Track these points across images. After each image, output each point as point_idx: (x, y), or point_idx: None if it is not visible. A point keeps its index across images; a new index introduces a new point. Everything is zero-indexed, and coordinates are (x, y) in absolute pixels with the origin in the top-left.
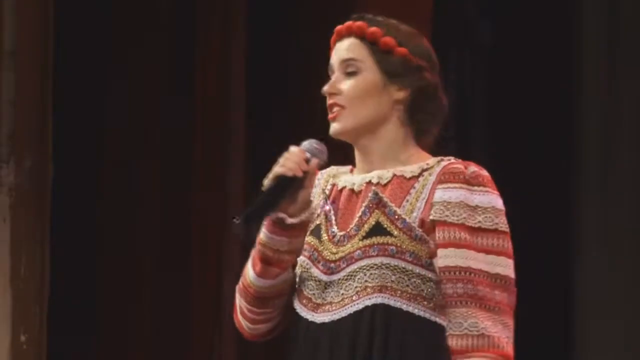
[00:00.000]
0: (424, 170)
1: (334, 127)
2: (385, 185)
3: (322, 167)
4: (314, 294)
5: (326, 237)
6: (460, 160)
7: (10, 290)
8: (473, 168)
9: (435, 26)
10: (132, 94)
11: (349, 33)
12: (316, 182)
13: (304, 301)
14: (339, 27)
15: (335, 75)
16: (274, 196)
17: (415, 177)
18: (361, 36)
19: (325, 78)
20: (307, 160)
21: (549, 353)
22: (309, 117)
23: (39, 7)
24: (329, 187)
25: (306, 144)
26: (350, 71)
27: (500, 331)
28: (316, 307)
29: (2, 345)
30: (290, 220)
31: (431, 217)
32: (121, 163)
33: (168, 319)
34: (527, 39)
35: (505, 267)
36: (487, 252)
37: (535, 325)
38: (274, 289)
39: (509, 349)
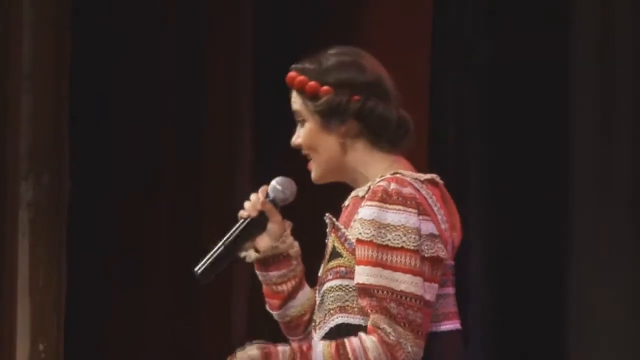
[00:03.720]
0: (369, 187)
1: (312, 177)
2: (347, 207)
3: (286, 203)
4: (315, 315)
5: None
6: (391, 177)
7: (29, 301)
8: (394, 185)
9: (434, 48)
10: (145, 113)
11: (289, 84)
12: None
13: (313, 323)
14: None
15: (297, 128)
16: (230, 241)
17: (365, 196)
18: (294, 87)
19: None
20: (272, 200)
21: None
22: None
23: (56, 33)
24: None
25: (272, 182)
26: (300, 121)
27: (403, 345)
28: (315, 329)
29: (21, 354)
30: (251, 257)
31: (353, 235)
32: (134, 179)
33: (180, 328)
34: (524, 60)
35: (410, 284)
36: (394, 269)
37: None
38: (287, 317)
39: (396, 345)
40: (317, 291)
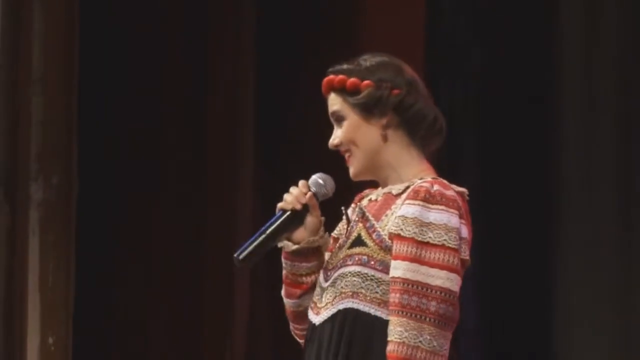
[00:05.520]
0: (407, 187)
1: (351, 172)
2: (377, 201)
3: (326, 198)
4: (317, 298)
5: (336, 249)
6: (433, 180)
7: (39, 297)
8: (437, 187)
9: (427, 53)
10: (150, 120)
11: (327, 89)
12: (363, 202)
13: (312, 305)
14: (322, 84)
15: (334, 128)
16: (273, 230)
17: (400, 194)
18: (334, 89)
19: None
20: (314, 194)
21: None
22: (317, 139)
23: (65, 38)
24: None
25: (313, 177)
26: (339, 120)
27: (425, 343)
28: (318, 311)
29: (32, 347)
30: (291, 247)
31: (390, 230)
32: (139, 179)
33: (183, 323)
34: (515, 64)
35: (446, 280)
36: (431, 265)
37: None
38: (302, 307)
39: (427, 356)
40: (323, 274)
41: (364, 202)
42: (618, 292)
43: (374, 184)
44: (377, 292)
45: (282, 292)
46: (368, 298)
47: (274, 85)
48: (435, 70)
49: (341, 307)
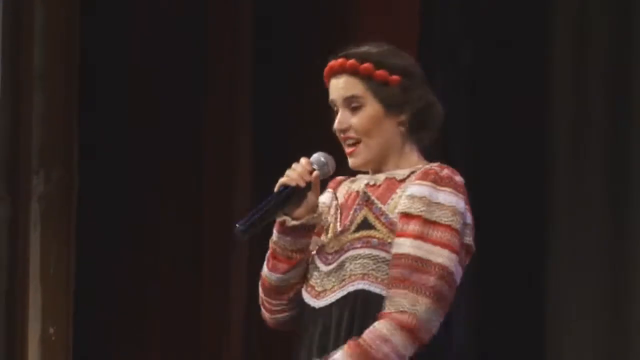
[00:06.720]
0: (412, 172)
1: (354, 162)
2: (379, 186)
3: (328, 177)
4: (316, 282)
5: (332, 233)
6: (442, 165)
7: (40, 288)
8: (447, 171)
9: (420, 49)
10: (149, 117)
11: (342, 70)
12: (341, 187)
13: (309, 289)
14: (332, 64)
15: (341, 112)
16: (275, 205)
17: (404, 179)
18: (355, 73)
19: (329, 106)
20: (312, 172)
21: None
22: (315, 124)
23: (66, 34)
24: (344, 191)
25: (315, 156)
26: (354, 106)
27: (421, 311)
28: (317, 294)
29: (33, 336)
30: (291, 223)
31: (399, 210)
32: (138, 173)
33: (180, 315)
34: (505, 61)
35: (447, 258)
36: (435, 243)
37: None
38: (284, 282)
39: (421, 325)
40: (320, 258)
41: (359, 186)
42: (611, 296)
43: (350, 172)
44: (387, 274)
45: (267, 265)
46: (379, 279)
47: (272, 86)
48: (429, 66)
49: (351, 289)
